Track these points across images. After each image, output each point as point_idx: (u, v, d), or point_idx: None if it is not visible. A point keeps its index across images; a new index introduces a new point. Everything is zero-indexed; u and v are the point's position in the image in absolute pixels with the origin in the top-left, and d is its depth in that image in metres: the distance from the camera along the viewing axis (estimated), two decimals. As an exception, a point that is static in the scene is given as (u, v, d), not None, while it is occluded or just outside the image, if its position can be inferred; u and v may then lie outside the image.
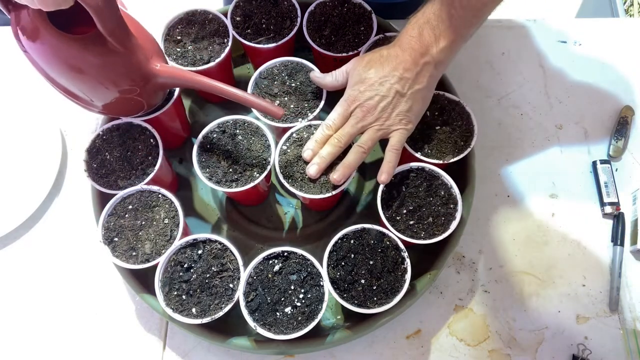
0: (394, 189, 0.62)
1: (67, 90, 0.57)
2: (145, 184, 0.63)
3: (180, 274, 0.59)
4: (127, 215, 0.62)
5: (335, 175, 0.60)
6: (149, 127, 0.65)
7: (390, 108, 0.59)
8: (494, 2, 0.57)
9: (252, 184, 0.61)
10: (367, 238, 0.60)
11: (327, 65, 0.70)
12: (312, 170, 0.60)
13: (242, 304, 0.57)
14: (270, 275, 0.58)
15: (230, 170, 0.63)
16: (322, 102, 0.66)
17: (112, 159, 0.64)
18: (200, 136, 0.64)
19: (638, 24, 0.87)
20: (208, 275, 0.58)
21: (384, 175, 0.60)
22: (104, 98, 0.58)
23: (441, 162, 0.63)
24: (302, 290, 0.57)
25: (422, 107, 0.62)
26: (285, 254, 0.59)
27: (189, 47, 0.70)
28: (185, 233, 0.63)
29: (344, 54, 0.70)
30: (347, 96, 0.61)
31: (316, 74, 0.66)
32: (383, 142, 0.65)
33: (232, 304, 0.57)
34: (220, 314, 0.56)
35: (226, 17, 0.72)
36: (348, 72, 0.63)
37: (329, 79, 0.64)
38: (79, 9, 0.48)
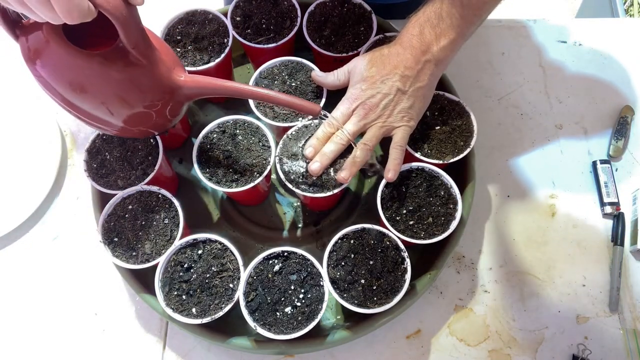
0: (394, 189, 0.62)
1: (89, 114, 0.53)
2: (145, 184, 0.63)
3: (181, 274, 0.59)
4: (127, 215, 0.62)
5: (342, 174, 0.60)
6: (149, 127, 0.65)
7: (392, 105, 0.60)
8: (494, 0, 0.57)
9: (252, 184, 0.61)
10: (367, 238, 0.60)
11: (327, 65, 0.70)
12: (314, 167, 0.60)
13: (242, 304, 0.57)
14: (270, 275, 0.58)
15: (231, 170, 0.63)
16: (322, 102, 0.66)
17: (112, 159, 0.64)
18: (200, 136, 0.64)
19: (638, 24, 0.87)
20: (208, 275, 0.58)
21: (390, 172, 0.60)
22: (129, 117, 0.54)
23: (441, 162, 0.63)
24: (302, 290, 0.57)
25: (423, 105, 0.62)
26: (285, 254, 0.59)
27: (189, 47, 0.70)
28: (185, 233, 0.63)
29: (344, 54, 0.70)
30: (349, 94, 0.62)
31: (318, 74, 0.66)
32: (383, 141, 0.65)
33: (232, 304, 0.57)
34: (220, 314, 0.56)
35: (226, 17, 0.72)
36: (350, 71, 0.63)
37: (330, 79, 0.65)
38: (90, 24, 0.44)
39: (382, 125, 0.60)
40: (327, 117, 0.60)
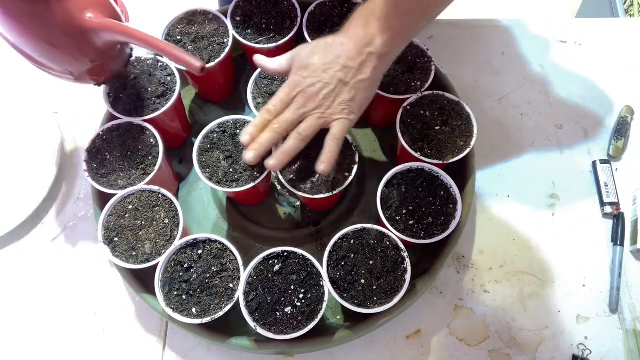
0: (393, 189, 0.62)
1: (16, 47, 0.56)
2: (146, 183, 0.63)
3: (181, 274, 0.59)
4: (127, 215, 0.62)
5: (271, 162, 0.58)
6: (149, 127, 0.65)
7: (332, 96, 0.58)
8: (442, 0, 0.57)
9: (252, 184, 0.61)
10: (367, 238, 0.60)
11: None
12: (249, 156, 0.58)
13: (242, 304, 0.57)
14: (270, 275, 0.58)
15: (231, 170, 0.63)
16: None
17: (112, 159, 0.64)
18: (200, 136, 0.64)
19: (638, 24, 0.87)
20: (208, 275, 0.58)
21: (323, 165, 0.58)
22: (50, 55, 0.56)
23: (441, 162, 0.63)
24: (302, 290, 0.57)
25: (365, 98, 0.60)
26: (285, 254, 0.59)
27: (189, 47, 0.70)
28: (185, 233, 0.63)
29: (344, 54, 0.70)
30: (290, 81, 0.59)
31: (260, 58, 0.64)
32: (382, 141, 0.65)
33: (232, 304, 0.57)
34: (220, 314, 0.56)
35: (226, 17, 0.72)
36: (293, 57, 0.61)
37: (272, 64, 0.62)
38: None
39: (321, 116, 0.58)
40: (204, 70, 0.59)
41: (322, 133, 0.61)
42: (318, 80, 0.58)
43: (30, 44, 0.55)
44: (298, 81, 0.58)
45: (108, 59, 0.60)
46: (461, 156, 0.64)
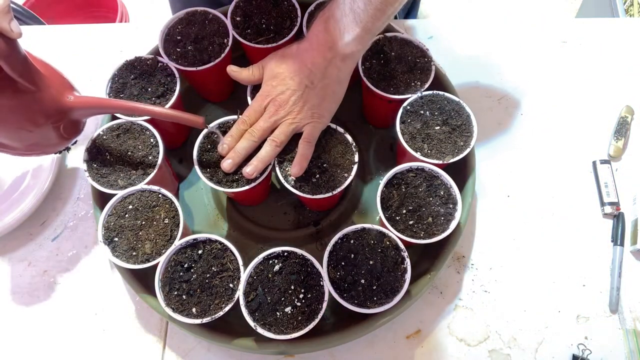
0: (393, 189, 0.62)
1: None
2: (146, 183, 0.63)
3: (181, 274, 0.59)
4: (127, 215, 0.62)
5: (248, 169, 0.60)
6: (149, 127, 0.65)
7: (301, 102, 0.60)
8: None
9: (252, 184, 0.61)
10: (367, 238, 0.60)
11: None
12: (226, 165, 0.61)
13: (242, 303, 0.57)
14: (270, 275, 0.58)
15: (231, 170, 0.63)
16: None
17: (112, 159, 0.64)
18: (200, 136, 0.64)
19: (638, 24, 0.87)
20: (208, 275, 0.58)
21: (295, 167, 0.60)
22: (27, 139, 0.57)
23: (441, 162, 0.63)
24: (302, 290, 0.57)
25: (334, 100, 0.63)
26: (285, 254, 0.59)
27: (189, 47, 0.70)
28: (185, 233, 0.63)
29: (344, 54, 0.70)
30: (262, 91, 0.63)
31: (233, 68, 0.66)
32: (382, 141, 0.65)
33: (232, 303, 0.57)
34: (220, 313, 0.56)
35: (226, 17, 0.72)
36: (264, 66, 0.64)
37: (245, 74, 0.65)
38: None
39: (292, 122, 0.61)
40: (212, 131, 0.62)
41: (322, 137, 0.62)
42: (287, 87, 0.60)
43: (6, 134, 0.55)
44: (268, 90, 0.62)
45: (76, 130, 0.62)
46: (461, 156, 0.64)
